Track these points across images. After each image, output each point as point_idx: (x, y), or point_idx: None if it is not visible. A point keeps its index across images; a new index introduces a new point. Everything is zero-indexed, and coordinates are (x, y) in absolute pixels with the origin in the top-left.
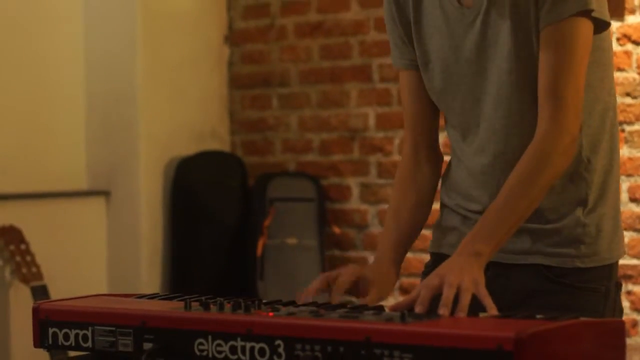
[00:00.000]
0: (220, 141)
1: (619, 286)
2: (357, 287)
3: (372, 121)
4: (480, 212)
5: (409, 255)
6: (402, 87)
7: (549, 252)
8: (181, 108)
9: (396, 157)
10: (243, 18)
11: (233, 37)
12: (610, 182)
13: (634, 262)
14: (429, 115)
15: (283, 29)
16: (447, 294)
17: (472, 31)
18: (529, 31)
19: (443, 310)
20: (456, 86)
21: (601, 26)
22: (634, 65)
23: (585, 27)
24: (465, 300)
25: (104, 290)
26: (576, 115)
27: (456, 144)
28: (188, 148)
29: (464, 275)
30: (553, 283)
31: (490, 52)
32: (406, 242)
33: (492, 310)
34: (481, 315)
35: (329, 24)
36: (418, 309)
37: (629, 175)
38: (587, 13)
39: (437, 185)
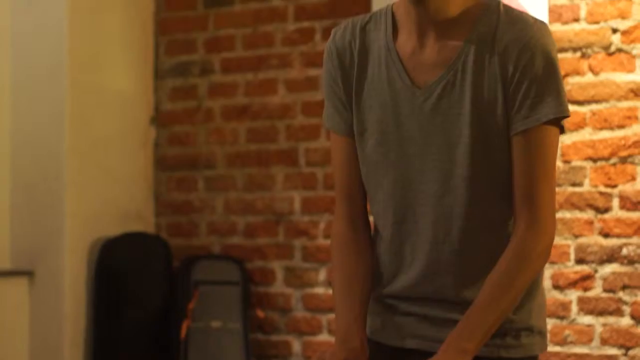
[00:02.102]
0: (145, 222)
1: None
2: None
3: (297, 205)
4: (398, 297)
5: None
6: (338, 153)
7: None
8: (107, 188)
9: (321, 241)
10: (170, 99)
11: (160, 118)
12: (538, 279)
13: (557, 349)
14: (363, 183)
15: (210, 111)
16: None
17: (420, 112)
18: (490, 128)
19: None
20: (391, 163)
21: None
22: (559, 153)
23: (556, 132)
24: None
25: None
26: (553, 217)
27: (382, 223)
28: (113, 229)
29: None
30: None
31: (438, 139)
32: (365, 313)
33: None
34: None
35: (256, 107)
36: None
37: (552, 263)
38: (560, 119)
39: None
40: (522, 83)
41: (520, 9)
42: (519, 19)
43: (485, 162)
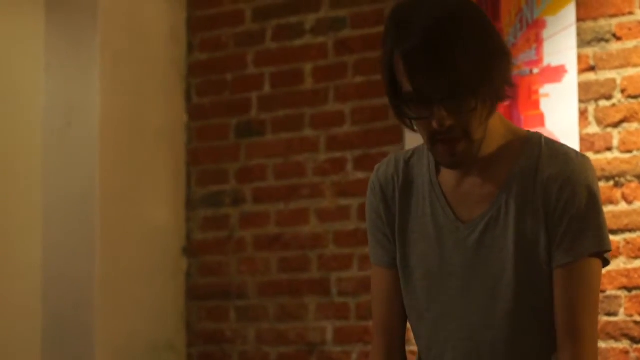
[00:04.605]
0: (176, 353)
1: None
2: None
3: (330, 335)
4: None
5: None
6: (380, 287)
7: None
8: (138, 318)
9: None
10: (202, 229)
11: (191, 249)
12: None
13: None
14: (404, 318)
15: (241, 241)
16: None
17: (464, 247)
18: (533, 262)
19: None
20: (434, 297)
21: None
22: None
23: (599, 264)
24: None
25: None
26: (595, 351)
27: (425, 357)
28: (144, 359)
29: None
30: None
31: (481, 273)
32: None
33: None
34: None
35: (287, 237)
36: None
37: None
38: (602, 253)
39: None
40: (564, 218)
41: (552, 138)
42: (561, 153)
43: (528, 296)
